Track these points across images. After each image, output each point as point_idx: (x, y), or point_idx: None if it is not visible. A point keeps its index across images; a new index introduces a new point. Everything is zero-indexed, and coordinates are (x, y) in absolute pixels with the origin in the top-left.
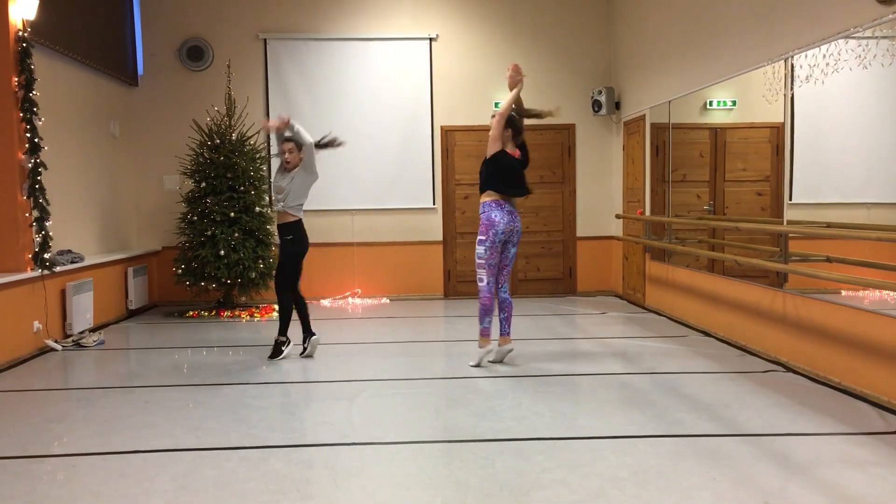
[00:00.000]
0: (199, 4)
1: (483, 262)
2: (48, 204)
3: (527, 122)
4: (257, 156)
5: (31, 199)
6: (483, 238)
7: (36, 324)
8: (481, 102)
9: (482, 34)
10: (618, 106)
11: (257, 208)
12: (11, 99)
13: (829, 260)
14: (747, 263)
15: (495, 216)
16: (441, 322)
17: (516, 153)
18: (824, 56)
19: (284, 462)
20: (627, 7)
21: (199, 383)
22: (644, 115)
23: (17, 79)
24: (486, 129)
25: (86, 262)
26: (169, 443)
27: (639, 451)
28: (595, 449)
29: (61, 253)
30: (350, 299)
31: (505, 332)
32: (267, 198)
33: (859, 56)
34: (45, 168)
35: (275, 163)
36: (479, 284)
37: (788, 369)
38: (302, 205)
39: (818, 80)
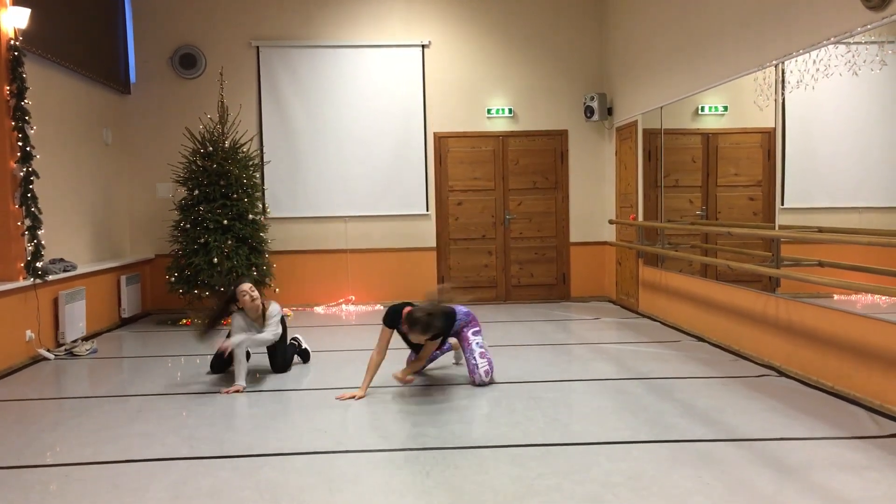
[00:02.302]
0: (192, 12)
1: (484, 347)
2: (40, 212)
3: (520, 127)
4: (250, 163)
5: (23, 207)
6: (478, 328)
7: (28, 333)
8: (474, 109)
9: (474, 41)
10: (610, 112)
11: (250, 216)
12: (3, 107)
13: (821, 264)
14: (740, 268)
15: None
16: None
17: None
18: (814, 62)
19: (279, 470)
20: (620, 13)
21: (193, 392)
22: (636, 121)
23: (8, 87)
24: (479, 135)
25: (78, 271)
26: (162, 452)
27: (633, 457)
28: (589, 454)
29: (53, 262)
30: (344, 306)
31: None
32: (260, 205)
33: (849, 61)
34: (38, 176)
35: (268, 170)
36: (489, 367)
37: (781, 374)
38: None
39: (809, 86)
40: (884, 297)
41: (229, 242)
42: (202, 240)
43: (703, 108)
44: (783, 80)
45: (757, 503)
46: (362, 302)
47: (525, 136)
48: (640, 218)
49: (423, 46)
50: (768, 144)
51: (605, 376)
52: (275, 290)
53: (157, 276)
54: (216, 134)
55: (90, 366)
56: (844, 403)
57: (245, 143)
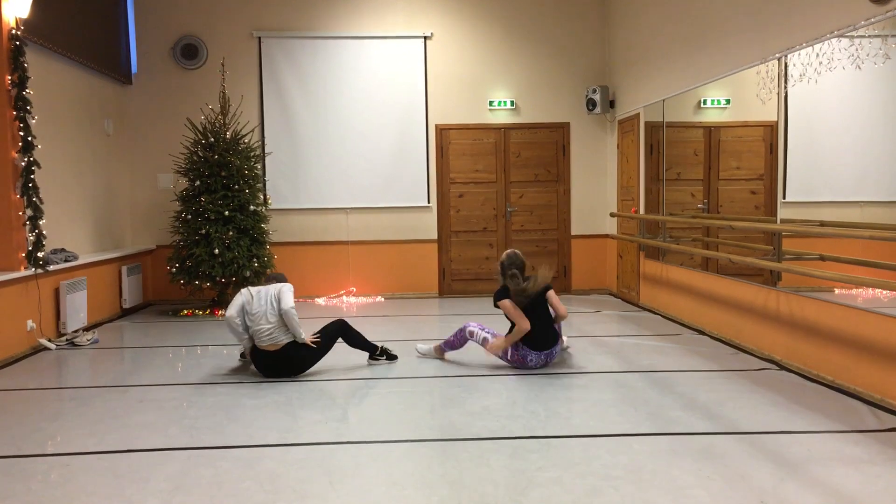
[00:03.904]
0: (194, 2)
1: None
2: (42, 203)
3: (522, 120)
4: (251, 154)
5: (25, 197)
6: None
7: (30, 323)
8: (476, 101)
9: (477, 33)
10: (612, 104)
11: (251, 207)
12: (5, 97)
13: (822, 258)
14: (741, 262)
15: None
16: (436, 320)
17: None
18: (817, 55)
19: (279, 461)
20: (622, 6)
21: (194, 382)
22: (638, 114)
23: (10, 77)
24: (480, 127)
25: (79, 261)
26: (163, 442)
27: (633, 450)
28: (590, 447)
29: (55, 252)
30: (345, 298)
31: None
32: (261, 196)
33: (852, 55)
34: (39, 167)
35: (269, 161)
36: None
37: (782, 367)
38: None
39: (812, 79)
40: (885, 292)
41: (230, 233)
42: (203, 231)
43: (705, 102)
44: (786, 74)
45: (757, 497)
46: (363, 294)
47: (527, 129)
48: (642, 211)
49: (425, 38)
50: (771, 138)
51: (606, 369)
52: None
53: (158, 267)
54: (217, 125)
55: (91, 356)
56: (845, 397)
57: (246, 135)
